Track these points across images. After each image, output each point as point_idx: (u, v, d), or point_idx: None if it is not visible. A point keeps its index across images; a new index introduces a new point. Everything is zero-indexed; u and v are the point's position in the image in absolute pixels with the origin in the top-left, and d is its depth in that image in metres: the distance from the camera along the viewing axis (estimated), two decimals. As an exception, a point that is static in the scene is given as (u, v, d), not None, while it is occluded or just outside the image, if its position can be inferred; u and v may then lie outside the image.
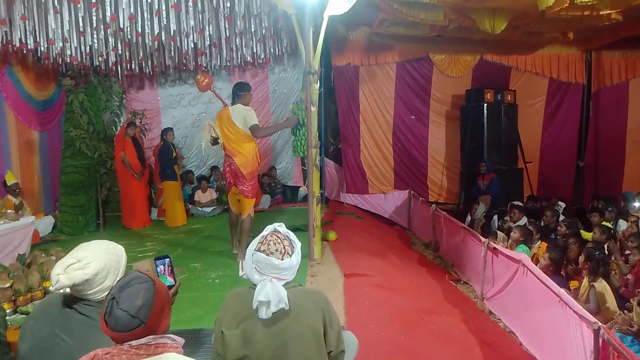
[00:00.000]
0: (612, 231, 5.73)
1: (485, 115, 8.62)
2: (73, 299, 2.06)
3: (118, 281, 1.65)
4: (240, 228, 5.41)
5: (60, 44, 6.22)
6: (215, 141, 5.37)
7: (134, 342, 1.56)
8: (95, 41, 6.42)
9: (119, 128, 8.18)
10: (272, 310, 2.04)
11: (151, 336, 1.59)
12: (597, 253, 4.17)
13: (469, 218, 7.87)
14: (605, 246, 5.00)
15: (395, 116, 9.16)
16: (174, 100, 9.33)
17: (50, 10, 5.62)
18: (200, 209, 8.58)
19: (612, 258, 4.95)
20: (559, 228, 5.89)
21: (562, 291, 3.32)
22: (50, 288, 4.35)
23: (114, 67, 7.56)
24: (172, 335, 1.66)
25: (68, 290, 2.06)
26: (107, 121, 8.13)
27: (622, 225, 6.18)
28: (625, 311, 3.71)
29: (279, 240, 2.14)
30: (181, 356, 1.59)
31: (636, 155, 9.20)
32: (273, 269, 2.09)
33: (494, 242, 4.90)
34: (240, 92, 5.38)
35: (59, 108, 8.12)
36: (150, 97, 9.28)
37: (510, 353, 3.75)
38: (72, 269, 1.97)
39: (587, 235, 5.88)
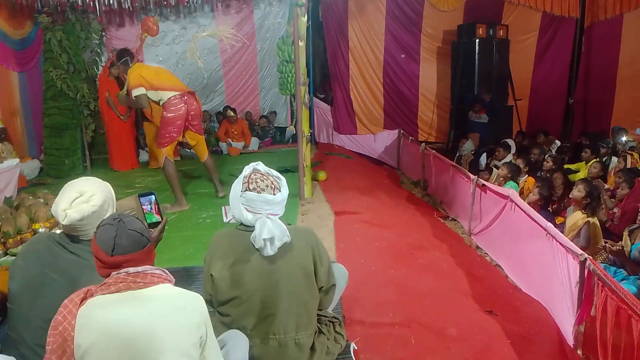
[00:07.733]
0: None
1: (476, 51, 8.44)
2: (62, 238, 2.04)
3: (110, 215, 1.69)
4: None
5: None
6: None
7: (131, 270, 1.57)
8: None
9: (100, 68, 7.92)
10: (278, 245, 2.04)
11: (147, 265, 1.60)
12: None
13: (457, 154, 7.90)
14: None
15: (385, 53, 8.94)
16: (156, 38, 8.95)
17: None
18: (188, 150, 8.47)
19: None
20: (544, 163, 5.93)
21: (549, 225, 3.36)
22: (43, 228, 4.34)
23: (91, 3, 7.23)
24: (164, 269, 1.68)
25: (58, 230, 2.05)
26: (87, 60, 7.84)
27: (614, 162, 6.21)
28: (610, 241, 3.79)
29: (264, 177, 2.12)
30: (176, 287, 1.64)
31: (626, 92, 9.12)
32: (266, 204, 2.07)
33: (483, 180, 4.93)
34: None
35: (37, 47, 7.77)
36: (131, 34, 8.85)
37: (496, 284, 3.85)
38: (77, 202, 1.97)
39: (574, 166, 5.98)
